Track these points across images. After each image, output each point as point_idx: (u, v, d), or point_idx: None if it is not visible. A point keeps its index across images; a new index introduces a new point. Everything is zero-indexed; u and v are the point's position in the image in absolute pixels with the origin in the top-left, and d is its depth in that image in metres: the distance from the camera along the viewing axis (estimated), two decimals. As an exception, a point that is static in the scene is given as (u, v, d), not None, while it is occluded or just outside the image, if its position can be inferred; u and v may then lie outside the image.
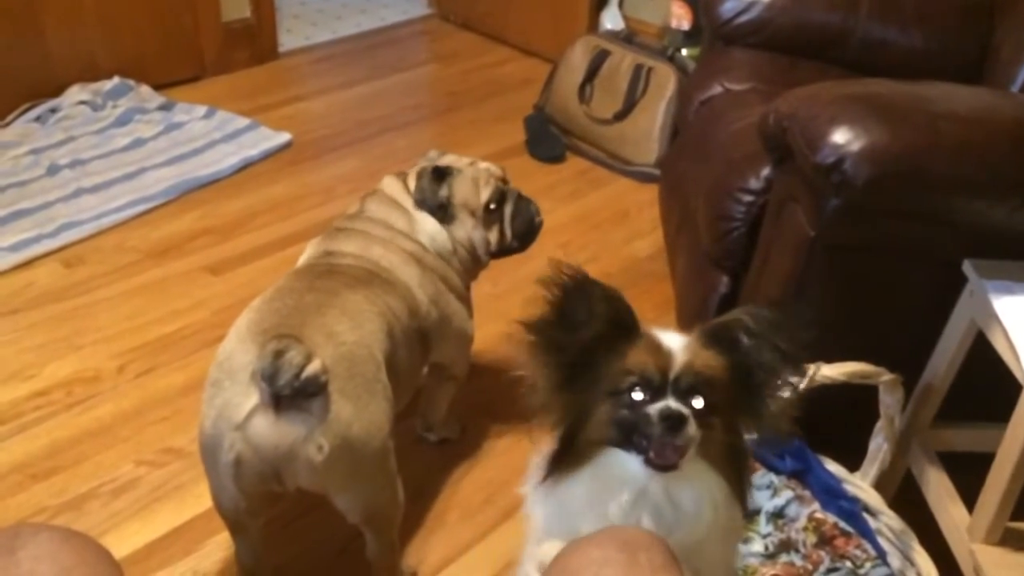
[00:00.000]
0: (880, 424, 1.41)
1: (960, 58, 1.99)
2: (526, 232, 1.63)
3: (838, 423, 1.37)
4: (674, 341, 0.98)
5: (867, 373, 1.32)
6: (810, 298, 1.43)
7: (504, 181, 1.61)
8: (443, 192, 1.54)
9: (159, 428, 1.78)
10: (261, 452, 1.19)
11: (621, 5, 3.51)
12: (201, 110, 2.91)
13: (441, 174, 1.54)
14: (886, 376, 1.32)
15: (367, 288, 1.39)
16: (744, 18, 2.02)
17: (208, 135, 2.79)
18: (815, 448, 1.46)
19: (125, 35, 2.96)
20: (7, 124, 2.73)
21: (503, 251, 1.63)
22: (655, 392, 0.93)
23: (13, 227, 2.29)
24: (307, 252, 1.55)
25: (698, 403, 0.94)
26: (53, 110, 2.80)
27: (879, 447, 1.44)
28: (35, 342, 1.97)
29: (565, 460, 0.98)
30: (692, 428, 0.91)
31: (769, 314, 0.95)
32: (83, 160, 2.59)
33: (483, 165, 1.60)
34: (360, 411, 1.23)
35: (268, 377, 1.12)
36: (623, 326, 0.97)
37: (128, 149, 2.68)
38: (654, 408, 0.92)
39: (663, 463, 0.93)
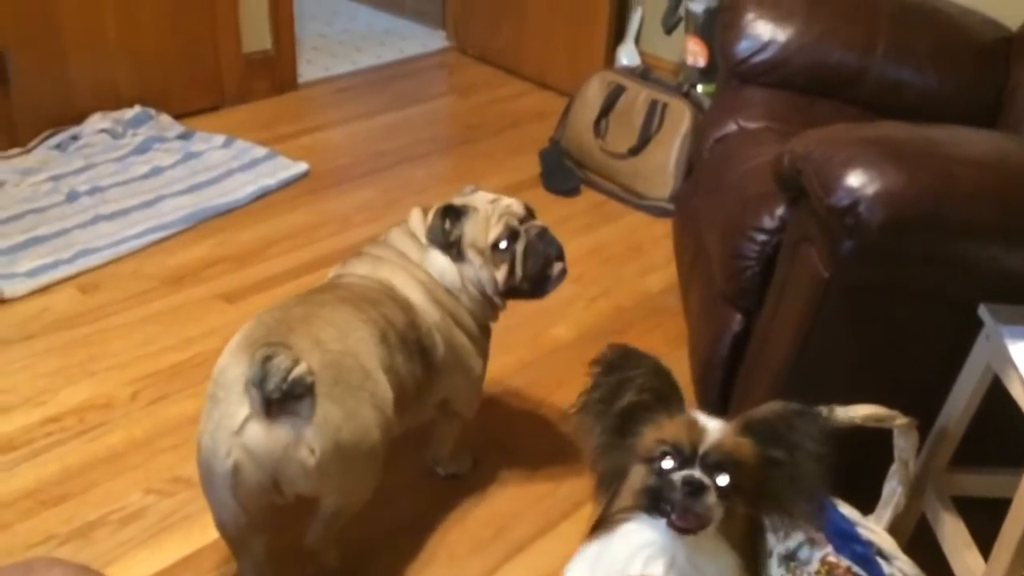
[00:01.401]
0: (894, 467, 1.40)
1: (976, 100, 1.99)
2: (538, 274, 1.56)
3: (852, 466, 1.35)
4: (712, 423, 1.03)
5: (881, 416, 1.31)
6: (824, 339, 1.43)
7: (522, 220, 1.58)
8: (454, 231, 1.54)
9: (169, 456, 1.78)
10: (257, 458, 1.24)
11: (637, 41, 3.54)
12: (220, 139, 2.94)
13: (454, 213, 1.55)
14: (901, 419, 1.31)
15: (360, 301, 1.43)
16: (760, 57, 2.03)
17: (226, 164, 2.82)
18: (828, 490, 1.45)
19: (147, 64, 3.00)
20: (29, 151, 2.76)
21: (514, 291, 1.58)
22: (683, 462, 0.99)
23: (31, 253, 2.31)
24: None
25: (723, 480, 0.98)
26: (74, 137, 2.83)
27: (893, 491, 1.42)
28: (50, 368, 1.99)
29: (602, 525, 1.04)
30: (711, 498, 0.96)
31: (811, 420, 1.00)
32: (102, 187, 2.62)
33: (505, 203, 1.58)
34: (348, 415, 1.29)
35: (258, 382, 1.19)
36: (666, 400, 1.04)
37: (147, 177, 2.71)
38: (679, 475, 0.98)
39: (683, 525, 0.97)
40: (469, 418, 1.72)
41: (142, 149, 2.83)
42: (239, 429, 1.23)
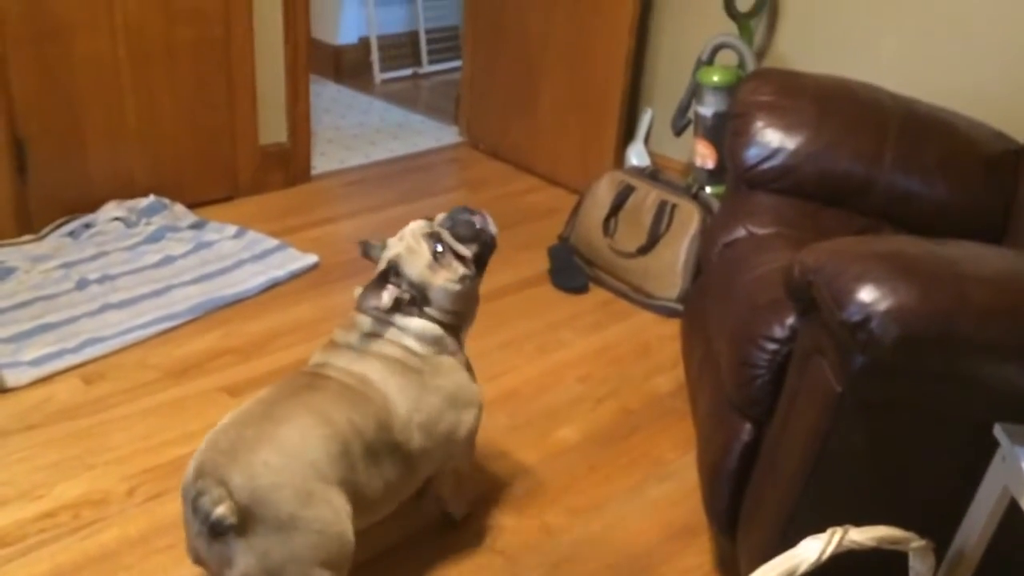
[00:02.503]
0: (910, 591, 1.35)
1: (985, 211, 2.00)
2: (474, 232, 1.67)
3: (866, 589, 1.31)
4: None
5: (897, 539, 1.27)
6: (837, 455, 1.40)
7: (430, 227, 1.65)
8: (402, 285, 1.60)
9: (163, 557, 1.74)
10: (205, 560, 1.40)
11: (647, 141, 3.60)
12: (232, 229, 2.96)
13: (391, 270, 1.61)
14: (917, 542, 1.27)
15: (332, 406, 1.48)
16: (768, 164, 2.05)
17: (237, 254, 2.84)
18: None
19: (164, 155, 3.05)
20: (42, 237, 2.79)
21: (479, 262, 1.68)
22: None
23: (37, 341, 2.31)
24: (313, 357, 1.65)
25: None
26: (87, 225, 2.86)
27: (910, 615, 1.37)
28: (48, 460, 1.96)
29: None
30: None
31: None
32: (112, 276, 2.63)
33: (409, 229, 1.65)
34: (277, 544, 1.35)
35: (192, 515, 1.36)
36: None
37: (158, 266, 2.72)
38: None
39: None
40: (465, 469, 1.79)
41: (155, 238, 2.86)
42: (193, 537, 1.39)
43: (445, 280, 1.62)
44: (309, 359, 1.65)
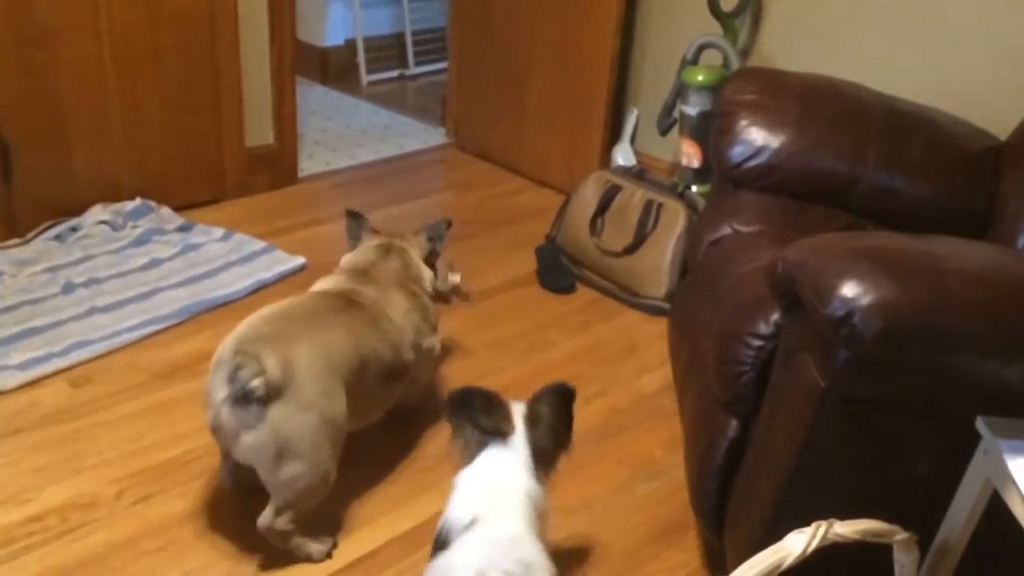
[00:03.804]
0: (895, 584, 1.36)
1: (967, 208, 2.02)
2: (440, 231, 2.24)
3: (851, 582, 1.32)
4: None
5: (881, 531, 1.28)
6: (823, 450, 1.41)
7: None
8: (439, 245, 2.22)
9: (152, 560, 1.74)
10: (224, 424, 1.61)
11: (633, 141, 3.61)
12: (219, 232, 2.96)
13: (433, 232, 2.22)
14: (901, 535, 1.28)
15: (361, 328, 1.81)
16: (753, 163, 2.06)
17: (224, 257, 2.83)
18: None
19: (150, 158, 3.05)
20: (27, 241, 2.78)
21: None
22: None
23: (23, 345, 2.30)
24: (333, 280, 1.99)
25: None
26: (74, 229, 2.85)
27: (895, 608, 1.38)
28: (35, 464, 1.95)
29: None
30: None
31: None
32: (99, 279, 2.63)
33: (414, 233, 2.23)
34: (291, 417, 1.60)
35: (230, 379, 1.57)
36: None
37: (144, 269, 2.72)
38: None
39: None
40: (426, 382, 2.18)
41: (141, 241, 2.85)
42: (218, 404, 1.61)
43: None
44: (324, 283, 1.98)
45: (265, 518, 1.68)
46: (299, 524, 1.72)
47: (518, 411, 1.53)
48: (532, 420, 1.52)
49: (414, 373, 2.02)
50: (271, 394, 1.57)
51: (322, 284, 1.98)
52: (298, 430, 1.61)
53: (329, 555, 1.78)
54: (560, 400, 1.57)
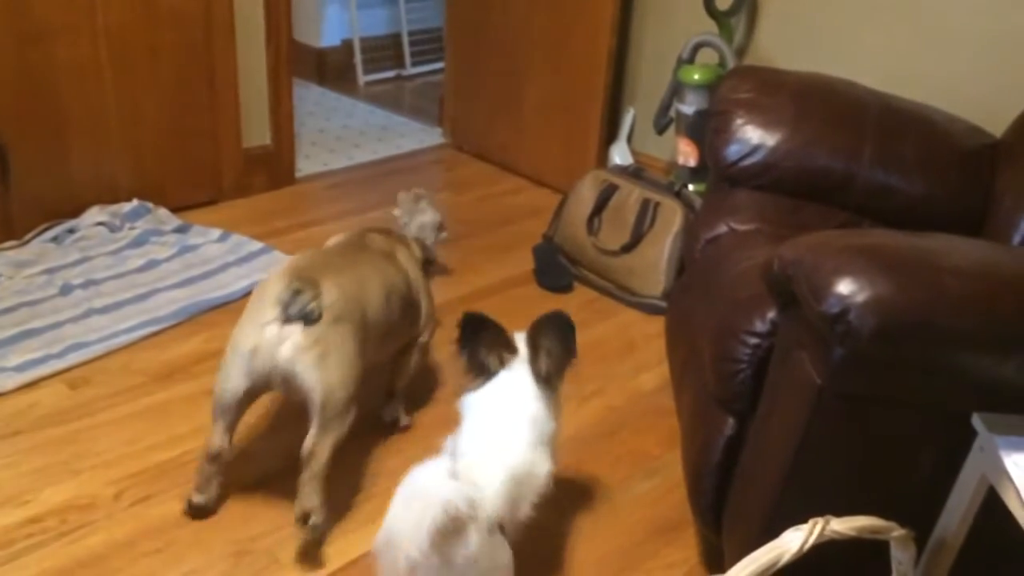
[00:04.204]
0: (892, 580, 1.37)
1: (963, 205, 2.02)
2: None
3: (849, 579, 1.33)
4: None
5: (878, 528, 1.28)
6: (819, 447, 1.41)
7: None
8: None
9: (151, 561, 1.74)
10: (268, 345, 1.72)
11: (630, 140, 3.61)
12: (216, 233, 2.96)
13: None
14: (898, 531, 1.29)
15: (383, 264, 2.04)
16: (748, 161, 2.06)
17: (221, 258, 2.83)
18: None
19: (148, 159, 3.05)
20: (25, 243, 2.78)
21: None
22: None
23: (21, 347, 2.30)
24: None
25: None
26: (71, 230, 2.85)
27: (892, 604, 1.39)
28: (33, 466, 1.95)
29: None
30: None
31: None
32: (96, 280, 2.63)
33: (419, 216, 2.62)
34: (335, 335, 1.76)
35: (284, 303, 1.71)
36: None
37: (142, 270, 2.72)
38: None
39: None
40: (429, 340, 2.26)
41: (138, 242, 2.85)
42: (263, 324, 1.72)
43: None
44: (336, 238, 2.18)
45: (309, 441, 1.75)
46: (330, 464, 1.78)
47: (520, 339, 1.71)
48: (534, 347, 1.69)
49: (419, 329, 2.19)
50: (322, 316, 1.74)
51: (335, 239, 2.20)
52: (339, 339, 1.76)
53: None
54: (557, 325, 1.72)
